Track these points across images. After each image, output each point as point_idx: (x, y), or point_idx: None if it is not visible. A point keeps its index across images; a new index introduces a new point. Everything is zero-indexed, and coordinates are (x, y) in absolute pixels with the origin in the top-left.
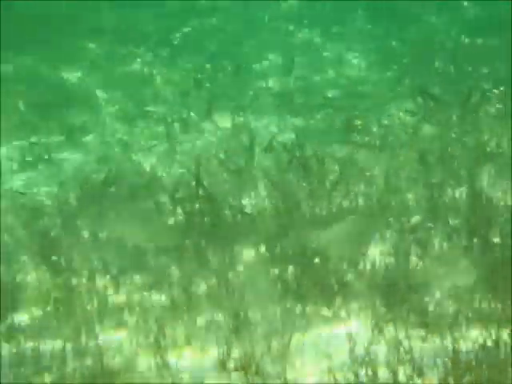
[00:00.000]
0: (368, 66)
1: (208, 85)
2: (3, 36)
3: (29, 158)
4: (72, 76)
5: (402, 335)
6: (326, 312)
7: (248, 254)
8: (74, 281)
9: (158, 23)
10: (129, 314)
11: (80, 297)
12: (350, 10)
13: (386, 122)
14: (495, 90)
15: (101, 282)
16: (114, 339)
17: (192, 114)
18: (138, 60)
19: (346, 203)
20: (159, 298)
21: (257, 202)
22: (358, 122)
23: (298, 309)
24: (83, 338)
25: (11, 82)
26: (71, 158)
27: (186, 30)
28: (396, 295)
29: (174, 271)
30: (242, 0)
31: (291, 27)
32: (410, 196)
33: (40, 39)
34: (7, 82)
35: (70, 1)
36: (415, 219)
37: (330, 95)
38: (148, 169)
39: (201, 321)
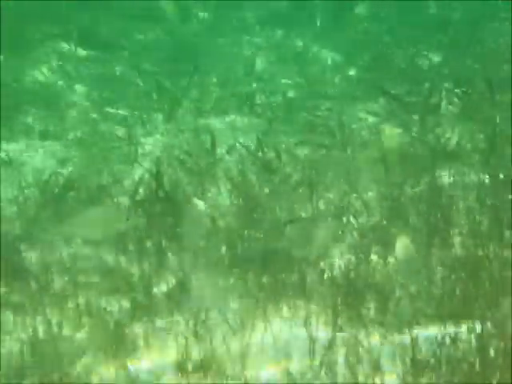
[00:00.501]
0: (331, 65)
1: (170, 87)
2: None
3: None
4: (33, 77)
5: (361, 334)
6: (286, 312)
7: (209, 254)
8: (33, 284)
9: (124, 24)
10: (87, 317)
11: (38, 300)
12: (312, 9)
13: (348, 122)
14: (456, 90)
15: (59, 284)
16: (73, 342)
17: (154, 115)
18: (100, 61)
19: (307, 204)
20: (119, 300)
21: (218, 203)
22: (321, 123)
23: (258, 309)
24: (41, 342)
25: None
26: (31, 161)
27: (148, 31)
28: (356, 295)
29: (134, 273)
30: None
31: (255, 27)
32: (370, 195)
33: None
34: None
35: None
36: (375, 218)
37: (292, 95)
38: (109, 171)
39: (161, 322)
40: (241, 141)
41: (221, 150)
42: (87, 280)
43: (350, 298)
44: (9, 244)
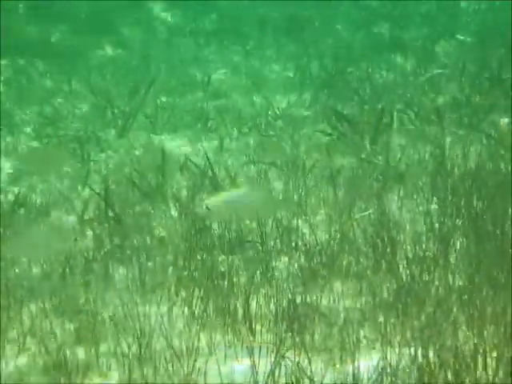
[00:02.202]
0: (284, 84)
1: (121, 104)
2: None
3: None
4: None
5: (304, 361)
6: (230, 337)
7: (155, 276)
8: None
9: (76, 40)
10: (31, 340)
11: None
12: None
13: (299, 141)
14: (408, 111)
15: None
16: (14, 365)
17: (105, 132)
18: (51, 77)
19: (254, 226)
20: (63, 323)
21: (167, 223)
22: (272, 142)
23: (203, 333)
24: None
25: None
26: None
27: (101, 49)
28: (300, 320)
29: (80, 295)
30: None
31: (203, 43)
32: (318, 218)
33: None
34: None
35: None
36: (322, 241)
37: (245, 114)
38: (59, 189)
39: (104, 347)
40: (192, 159)
41: (172, 168)
42: (32, 301)
43: (295, 323)
44: None
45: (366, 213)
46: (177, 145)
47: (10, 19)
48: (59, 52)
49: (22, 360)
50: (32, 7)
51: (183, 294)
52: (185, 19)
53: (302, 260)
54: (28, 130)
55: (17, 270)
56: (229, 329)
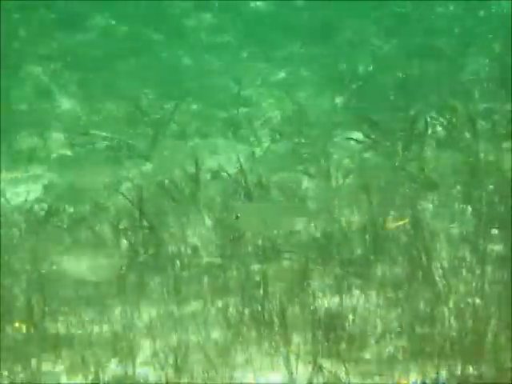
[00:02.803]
0: (315, 91)
1: (153, 111)
2: None
3: None
4: (15, 101)
5: (341, 372)
6: (266, 347)
7: (191, 286)
8: (15, 316)
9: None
10: (68, 349)
11: (18, 332)
12: (292, 33)
13: (331, 149)
14: (441, 118)
15: (39, 316)
16: (52, 375)
17: (137, 140)
18: (82, 85)
19: (290, 234)
20: (100, 332)
21: (201, 232)
22: (305, 150)
23: (240, 343)
24: (19, 374)
25: None
26: (15, 186)
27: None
28: (337, 330)
29: (116, 304)
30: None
31: (236, 50)
32: (352, 227)
33: None
34: None
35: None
36: (358, 251)
37: (276, 121)
38: (92, 197)
39: (142, 356)
40: (224, 167)
41: (205, 176)
42: (69, 311)
43: (331, 333)
44: None
45: (402, 222)
46: (208, 153)
47: (39, 25)
48: (90, 59)
49: (59, 369)
50: (61, 13)
51: (219, 303)
52: (216, 27)
53: (337, 269)
54: (60, 137)
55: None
56: (265, 338)
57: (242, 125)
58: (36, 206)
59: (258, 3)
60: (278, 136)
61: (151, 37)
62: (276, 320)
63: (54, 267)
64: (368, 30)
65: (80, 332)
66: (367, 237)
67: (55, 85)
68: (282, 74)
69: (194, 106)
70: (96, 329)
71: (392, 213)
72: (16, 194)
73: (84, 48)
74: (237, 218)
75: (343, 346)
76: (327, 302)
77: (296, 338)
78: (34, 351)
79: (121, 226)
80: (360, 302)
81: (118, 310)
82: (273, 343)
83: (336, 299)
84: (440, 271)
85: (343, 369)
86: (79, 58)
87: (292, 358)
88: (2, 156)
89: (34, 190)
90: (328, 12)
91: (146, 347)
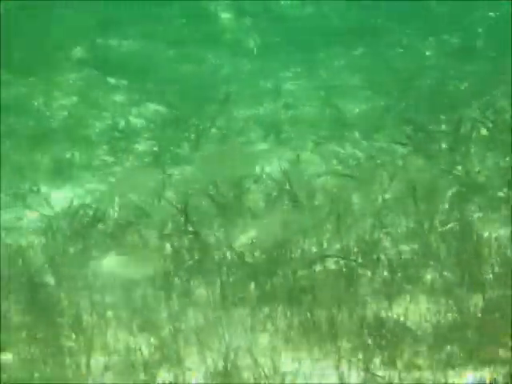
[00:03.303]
0: (354, 93)
1: (193, 116)
2: None
3: (16, 192)
4: (61, 106)
5: (395, 377)
6: (316, 353)
7: (237, 291)
8: (60, 320)
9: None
10: (116, 356)
11: (66, 337)
12: (329, 35)
13: (374, 153)
14: (486, 120)
15: (87, 321)
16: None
17: (179, 146)
18: (122, 92)
19: (336, 239)
20: (147, 338)
21: (246, 237)
22: (347, 154)
23: (288, 350)
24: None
25: None
26: (59, 191)
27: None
28: (388, 335)
29: (162, 310)
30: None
31: (275, 54)
32: (399, 231)
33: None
34: None
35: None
36: (405, 255)
37: (318, 124)
38: (136, 203)
39: (189, 362)
40: (267, 171)
41: (247, 181)
42: (115, 317)
43: (382, 338)
44: (35, 278)
45: (449, 225)
46: (251, 157)
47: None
48: (130, 64)
49: (108, 377)
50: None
51: (266, 309)
52: (252, 30)
53: (386, 274)
54: (102, 143)
55: (98, 284)
56: (314, 345)
57: (284, 128)
58: (80, 212)
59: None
60: (320, 140)
61: (190, 41)
62: (325, 325)
63: (100, 273)
64: (407, 32)
65: (127, 338)
66: (415, 241)
67: (96, 90)
68: (322, 77)
69: (235, 111)
70: (144, 335)
71: (439, 216)
72: (59, 200)
73: (123, 53)
74: None
75: (395, 352)
76: (376, 306)
77: (346, 344)
78: (82, 358)
79: (166, 232)
80: (410, 307)
81: (164, 316)
82: (322, 349)
83: (385, 304)
84: (490, 276)
85: (396, 375)
86: (118, 62)
87: (343, 364)
88: (43, 161)
89: (78, 196)
90: (366, 13)
91: (193, 353)
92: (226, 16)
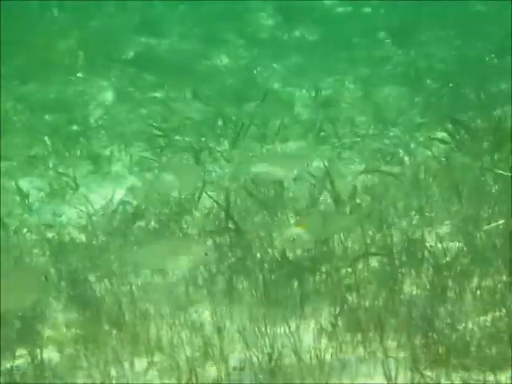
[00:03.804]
0: (395, 91)
1: (231, 113)
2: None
3: (56, 189)
4: (99, 103)
5: (442, 377)
6: (361, 352)
7: (280, 289)
8: (103, 318)
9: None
10: (160, 354)
11: (108, 334)
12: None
13: (416, 150)
14: None
15: (130, 318)
16: (145, 379)
17: (218, 143)
18: (161, 90)
19: (378, 237)
20: (191, 336)
21: (287, 233)
22: (388, 151)
23: (334, 348)
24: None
25: (38, 108)
26: (98, 188)
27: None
28: (434, 334)
29: (205, 307)
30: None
31: (314, 51)
32: (443, 229)
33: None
34: (34, 108)
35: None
36: (451, 254)
37: (358, 122)
38: (177, 200)
39: (233, 361)
40: (308, 169)
41: (287, 178)
42: (157, 314)
43: (429, 337)
44: (77, 274)
45: (495, 224)
46: (289, 154)
47: (118, 28)
48: (167, 62)
49: (152, 374)
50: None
51: (309, 307)
52: (288, 29)
53: (431, 273)
54: (141, 140)
55: (139, 283)
56: (360, 343)
57: (323, 126)
58: (120, 208)
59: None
60: (359, 138)
61: (229, 40)
62: (371, 325)
63: (142, 271)
64: (446, 30)
65: (171, 335)
66: (459, 239)
67: (135, 88)
68: (361, 75)
69: (274, 108)
70: (187, 332)
71: (483, 215)
72: (99, 197)
73: (162, 52)
74: None
75: (443, 351)
76: (422, 305)
77: (393, 344)
78: (126, 354)
79: (207, 229)
80: (456, 306)
81: (207, 314)
82: (369, 349)
83: (431, 303)
84: None
85: (444, 375)
86: (157, 61)
87: (391, 364)
88: (83, 159)
89: (117, 192)
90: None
91: (238, 351)
92: (264, 15)
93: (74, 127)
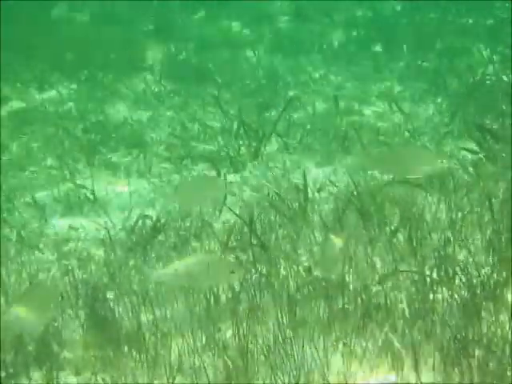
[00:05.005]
0: (419, 99)
1: (252, 122)
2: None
3: (73, 201)
4: (116, 112)
5: None
6: (392, 376)
7: (306, 309)
8: (122, 339)
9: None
10: (181, 376)
11: (128, 355)
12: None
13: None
14: None
15: (150, 339)
16: None
17: (239, 153)
18: (178, 95)
19: (407, 251)
20: (212, 358)
21: (313, 249)
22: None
23: (362, 371)
24: None
25: (53, 116)
26: (117, 200)
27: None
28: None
29: (228, 327)
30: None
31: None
32: (476, 244)
33: (82, 70)
34: (50, 115)
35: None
36: (485, 271)
37: (381, 131)
38: (197, 213)
39: None
40: (332, 179)
41: (312, 189)
42: (178, 334)
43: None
44: (95, 292)
45: None
46: (313, 164)
47: (134, 35)
48: (187, 69)
49: None
50: (159, 26)
51: (337, 327)
52: (310, 34)
53: (463, 291)
54: (160, 150)
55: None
56: (390, 365)
57: (347, 134)
58: (140, 222)
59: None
60: (385, 146)
61: (250, 43)
62: (402, 345)
63: (161, 287)
64: (469, 35)
65: (193, 357)
66: (492, 255)
67: (152, 96)
68: (384, 83)
69: (296, 116)
70: (209, 354)
71: None
72: (117, 209)
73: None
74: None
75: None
76: (455, 323)
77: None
78: (146, 377)
79: (230, 244)
80: (491, 327)
81: (229, 334)
82: (402, 371)
83: (465, 321)
84: None
85: None
86: (175, 68)
87: None
88: (100, 169)
89: (136, 205)
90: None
91: (264, 375)
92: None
93: (92, 136)
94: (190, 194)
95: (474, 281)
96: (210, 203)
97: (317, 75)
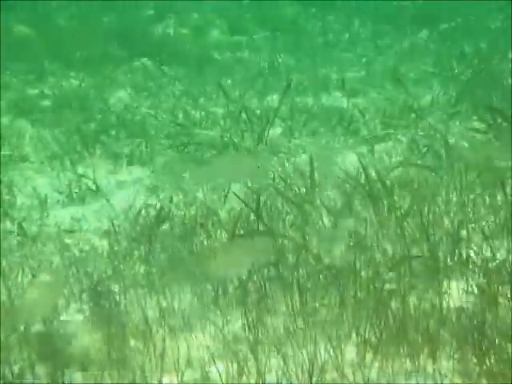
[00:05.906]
0: (425, 79)
1: (254, 106)
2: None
3: (75, 191)
4: (117, 100)
5: None
6: (409, 366)
7: (317, 296)
8: (129, 333)
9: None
10: (190, 370)
11: (134, 350)
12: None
13: (451, 141)
14: None
15: (158, 332)
16: None
17: (242, 138)
18: (180, 81)
19: (421, 237)
20: (223, 350)
21: (322, 236)
22: (422, 143)
23: (377, 363)
24: None
25: (53, 105)
26: (120, 190)
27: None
28: (486, 343)
29: (237, 319)
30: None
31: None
32: (489, 227)
33: (82, 57)
34: (49, 105)
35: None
36: (499, 256)
37: (388, 113)
38: (202, 200)
39: (270, 377)
40: (338, 163)
41: (318, 174)
42: (186, 327)
43: (481, 347)
44: (99, 285)
45: None
46: (319, 148)
47: (137, 20)
48: (187, 55)
49: None
50: (159, 10)
51: (349, 314)
52: (313, 18)
53: (478, 277)
54: (162, 137)
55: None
56: (406, 356)
57: (352, 117)
58: (143, 212)
59: None
60: (391, 129)
61: (251, 33)
62: (417, 334)
63: (169, 279)
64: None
65: (200, 351)
66: (506, 237)
67: (157, 83)
68: (388, 63)
69: (298, 100)
70: (219, 346)
71: None
72: (119, 198)
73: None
74: None
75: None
76: (472, 313)
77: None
78: (154, 371)
79: (237, 232)
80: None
81: (239, 325)
82: (415, 362)
83: (482, 310)
84: None
85: None
86: (181, 55)
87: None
88: (103, 158)
89: (139, 193)
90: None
91: (274, 366)
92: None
93: (92, 125)
94: (193, 181)
95: (490, 265)
96: (215, 190)
97: (319, 60)
